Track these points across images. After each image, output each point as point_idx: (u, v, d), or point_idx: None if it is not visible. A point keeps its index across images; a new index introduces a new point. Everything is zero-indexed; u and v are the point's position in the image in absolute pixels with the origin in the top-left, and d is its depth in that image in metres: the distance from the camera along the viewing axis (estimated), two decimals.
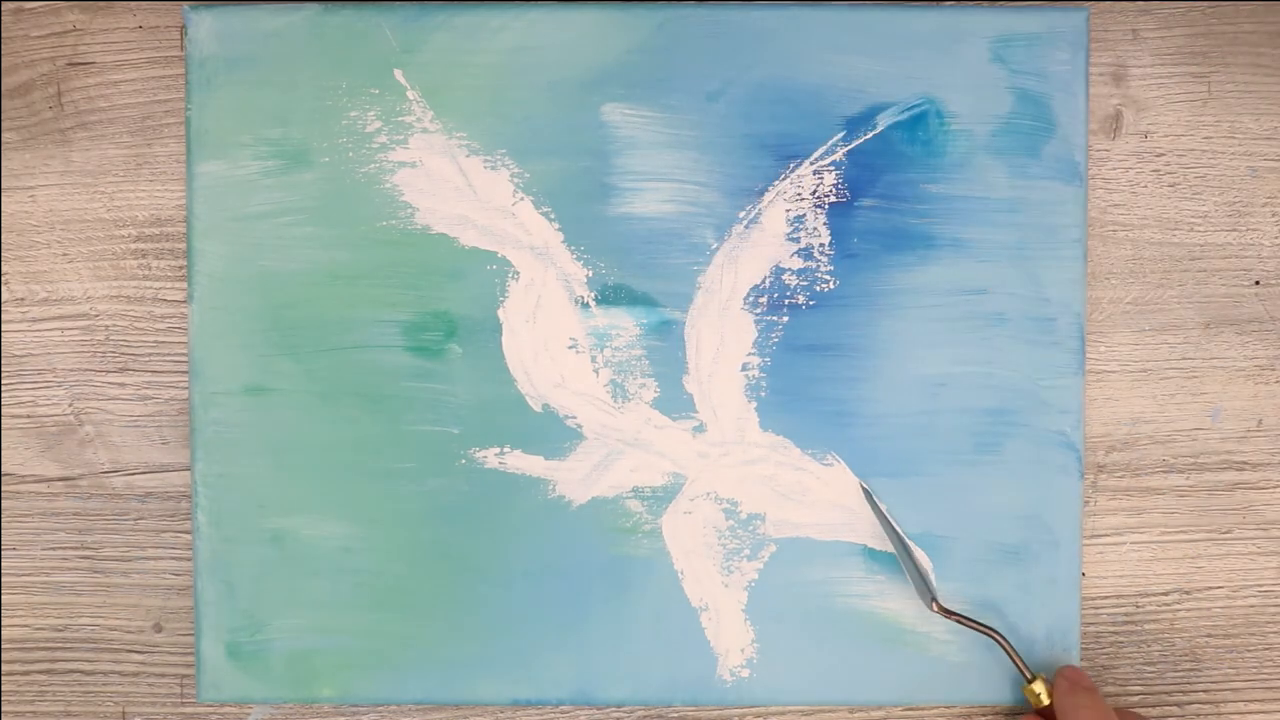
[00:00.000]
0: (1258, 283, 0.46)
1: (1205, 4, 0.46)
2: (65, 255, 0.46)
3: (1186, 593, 0.46)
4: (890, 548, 0.44)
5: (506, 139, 0.44)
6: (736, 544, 0.44)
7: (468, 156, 0.44)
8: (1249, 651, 0.46)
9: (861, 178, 0.44)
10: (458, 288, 0.44)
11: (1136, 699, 0.45)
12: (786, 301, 0.44)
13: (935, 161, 0.44)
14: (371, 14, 0.44)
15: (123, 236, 0.45)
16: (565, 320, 0.44)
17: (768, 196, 0.44)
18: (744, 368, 0.44)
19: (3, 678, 0.46)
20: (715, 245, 0.44)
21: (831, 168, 0.44)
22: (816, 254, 0.44)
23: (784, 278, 0.44)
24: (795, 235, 0.44)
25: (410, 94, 0.44)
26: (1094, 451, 0.46)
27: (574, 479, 0.44)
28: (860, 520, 0.44)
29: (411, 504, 0.44)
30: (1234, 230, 0.46)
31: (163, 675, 0.46)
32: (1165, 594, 0.46)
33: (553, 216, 0.44)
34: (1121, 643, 0.46)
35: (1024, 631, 0.44)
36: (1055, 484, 0.44)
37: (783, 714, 0.45)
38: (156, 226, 0.46)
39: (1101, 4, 0.45)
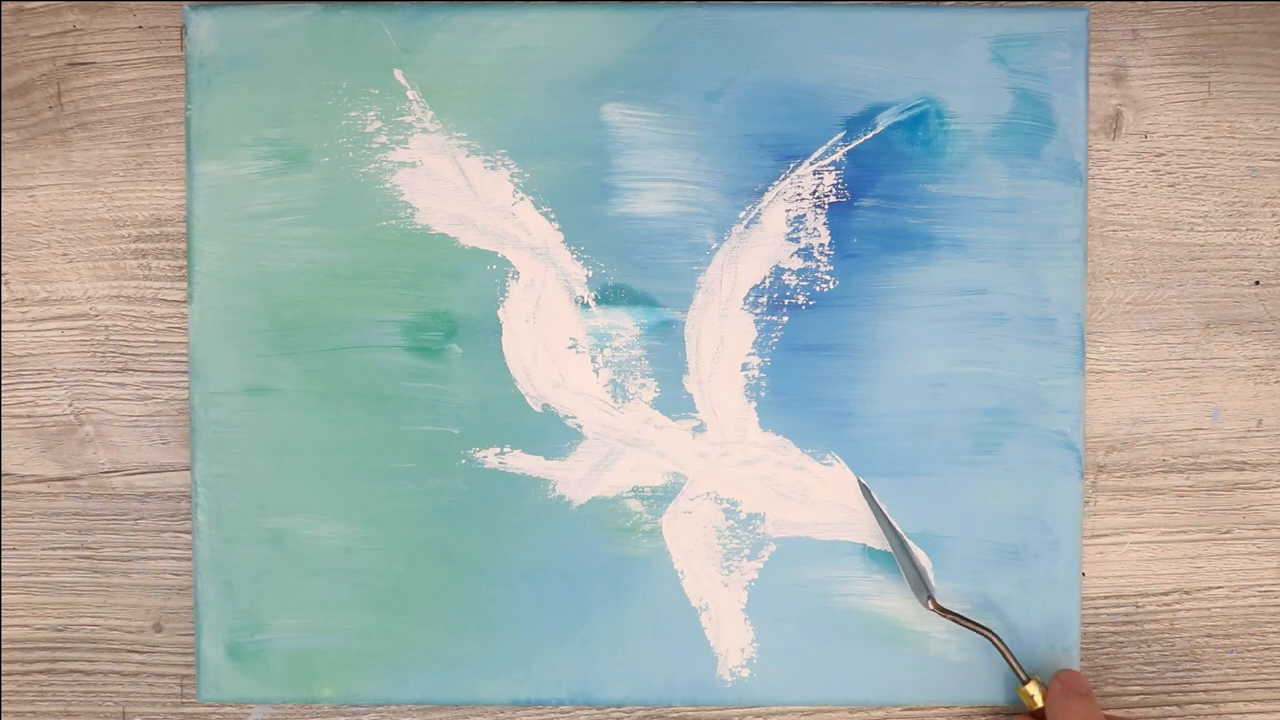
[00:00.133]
0: (1258, 283, 0.46)
1: (1205, 4, 0.46)
2: (65, 255, 0.46)
3: (1186, 593, 0.46)
4: (888, 546, 0.44)
5: (506, 139, 0.44)
6: (736, 544, 0.44)
7: (468, 156, 0.44)
8: (1249, 651, 0.46)
9: (861, 178, 0.44)
10: (458, 288, 0.44)
11: (1136, 699, 0.45)
12: (786, 301, 0.44)
13: (935, 161, 0.44)
14: (371, 14, 0.44)
15: (123, 236, 0.45)
16: (565, 320, 0.44)
17: (768, 196, 0.44)
18: (744, 368, 0.44)
19: (3, 678, 0.46)
20: (715, 245, 0.44)
21: (831, 168, 0.44)
22: (816, 254, 0.44)
23: (784, 278, 0.44)
24: (795, 235, 0.44)
25: (410, 94, 0.44)
26: (1094, 451, 0.46)
27: (574, 479, 0.44)
28: (860, 520, 0.44)
29: (411, 504, 0.44)
30: (1234, 230, 0.46)
31: (163, 675, 0.46)
32: (1165, 594, 0.46)
33: (553, 216, 0.44)
34: (1121, 643, 0.46)
35: (1024, 631, 0.44)
36: (1055, 484, 0.44)
37: (783, 714, 0.45)
38: (156, 226, 0.46)
39: (1101, 4, 0.45)
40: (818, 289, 0.44)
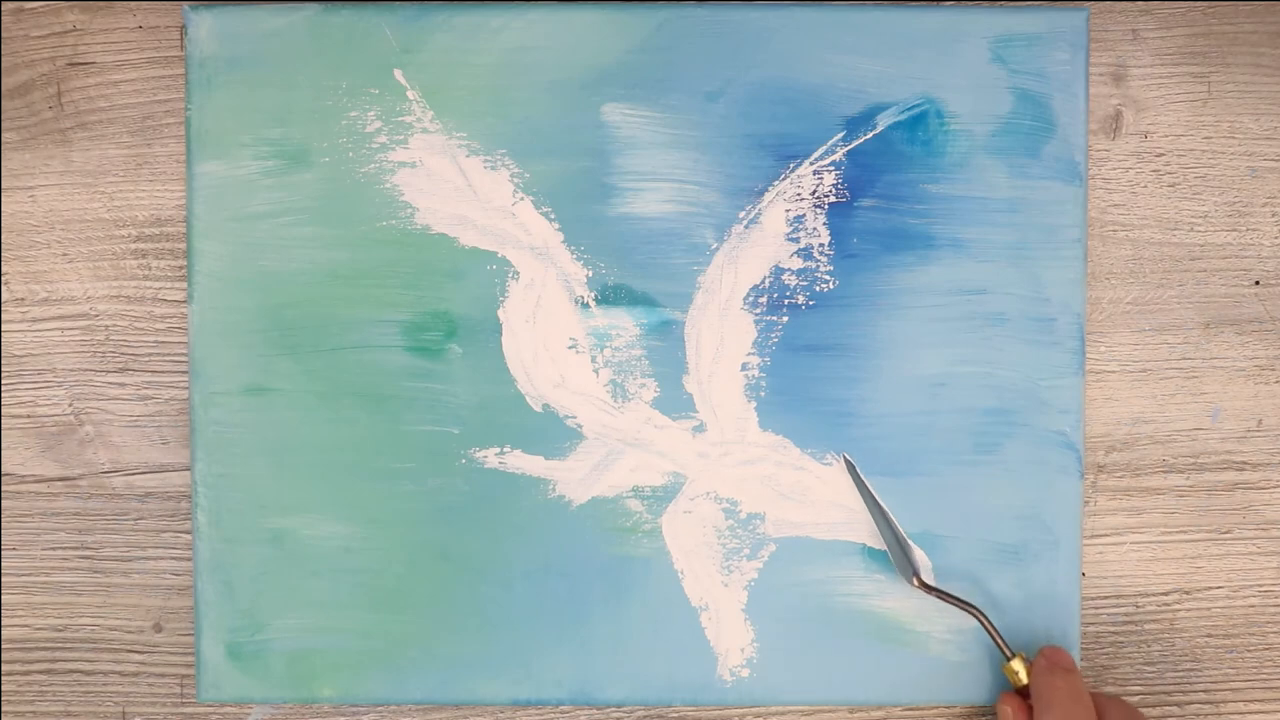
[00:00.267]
0: (1258, 283, 0.46)
1: (1205, 4, 0.46)
2: (65, 255, 0.46)
3: (1186, 593, 0.46)
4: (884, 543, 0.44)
5: (506, 139, 0.44)
6: (736, 543, 0.44)
7: (468, 156, 0.44)
8: (1249, 651, 0.46)
9: (861, 178, 0.44)
10: (458, 288, 0.44)
11: (1136, 699, 0.45)
12: (786, 301, 0.44)
13: (935, 161, 0.44)
14: (371, 14, 0.44)
15: (123, 236, 0.45)
16: (565, 320, 0.44)
17: (768, 196, 0.44)
18: (744, 368, 0.44)
19: (3, 678, 0.46)
20: (715, 245, 0.44)
21: (831, 168, 0.44)
22: (816, 254, 0.44)
23: (784, 278, 0.44)
24: (795, 235, 0.44)
25: (410, 94, 0.44)
26: (1094, 451, 0.46)
27: (574, 479, 0.44)
28: (860, 520, 0.44)
29: (411, 504, 0.44)
30: (1234, 230, 0.46)
31: (163, 675, 0.46)
32: (1165, 594, 0.46)
33: (553, 216, 0.44)
34: (1121, 643, 0.46)
35: (1024, 631, 0.44)
36: (1055, 484, 0.44)
37: (783, 714, 0.45)
38: (156, 226, 0.46)
39: (1101, 4, 0.45)
40: (818, 289, 0.44)
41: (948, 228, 0.44)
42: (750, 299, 0.44)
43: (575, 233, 0.44)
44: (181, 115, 0.45)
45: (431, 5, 0.44)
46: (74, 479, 0.46)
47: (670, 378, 0.44)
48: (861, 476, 0.44)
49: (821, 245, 0.44)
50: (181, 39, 0.45)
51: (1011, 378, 0.44)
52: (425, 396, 0.44)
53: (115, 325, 0.46)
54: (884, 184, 0.44)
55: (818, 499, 0.44)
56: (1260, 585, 0.46)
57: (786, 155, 0.44)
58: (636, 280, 0.44)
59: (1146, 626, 0.46)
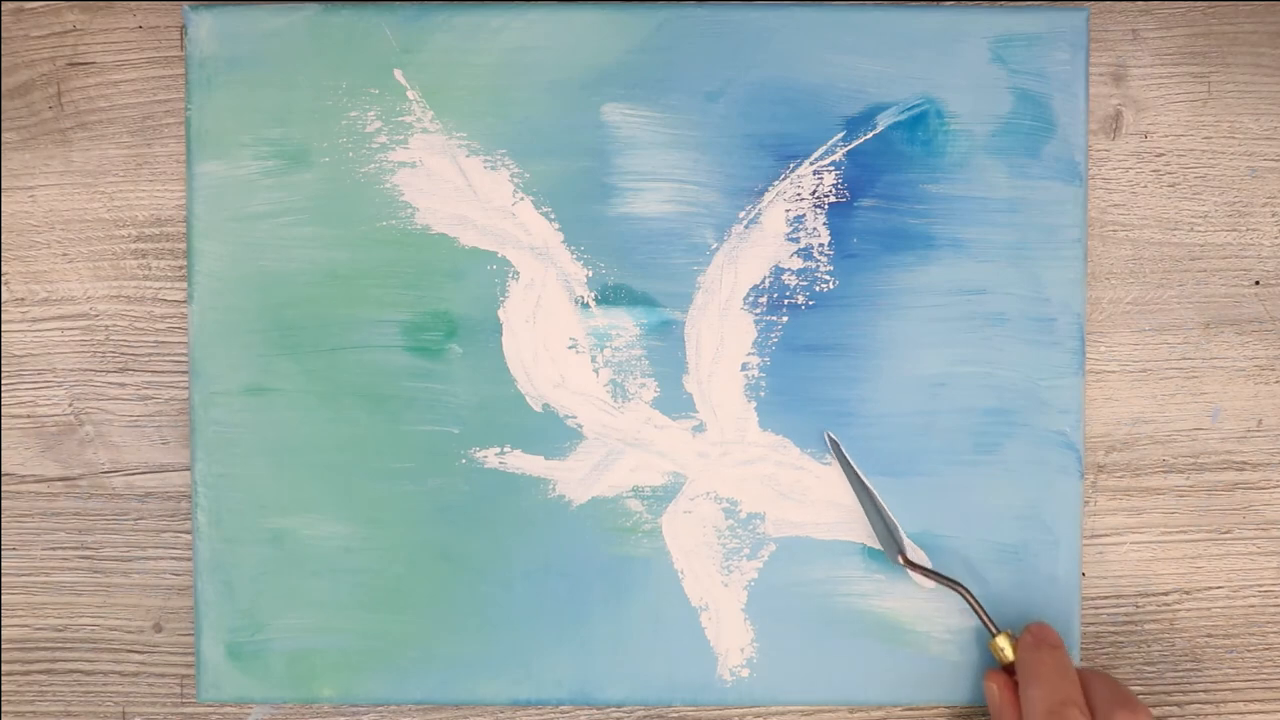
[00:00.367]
0: (1258, 283, 0.46)
1: (1205, 4, 0.46)
2: (65, 255, 0.46)
3: (1186, 593, 0.46)
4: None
5: (506, 139, 0.44)
6: (736, 543, 0.44)
7: (468, 156, 0.44)
8: (1249, 651, 0.46)
9: (861, 178, 0.44)
10: (458, 288, 0.44)
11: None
12: (786, 301, 0.44)
13: (935, 161, 0.44)
14: (371, 14, 0.44)
15: (123, 236, 0.45)
16: (565, 320, 0.44)
17: (768, 196, 0.44)
18: (744, 368, 0.44)
19: (3, 678, 0.46)
20: (715, 245, 0.44)
21: (831, 168, 0.44)
22: (816, 254, 0.44)
23: (784, 278, 0.44)
24: (795, 235, 0.44)
25: (410, 94, 0.44)
26: (1094, 451, 0.46)
27: (574, 479, 0.44)
28: (860, 519, 0.44)
29: (411, 504, 0.44)
30: (1234, 230, 0.46)
31: (163, 675, 0.46)
32: (1165, 594, 0.46)
33: (553, 216, 0.44)
34: (1121, 643, 0.46)
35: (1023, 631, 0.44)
36: (1055, 484, 0.44)
37: (783, 714, 0.45)
38: (156, 226, 0.46)
39: (1101, 4, 0.45)
40: (817, 289, 0.44)
41: (948, 228, 0.44)
42: (750, 299, 0.44)
43: (575, 233, 0.44)
44: (181, 115, 0.45)
45: (431, 5, 0.44)
46: (74, 479, 0.46)
47: (670, 378, 0.44)
48: (846, 455, 0.43)
49: (821, 245, 0.44)
50: (181, 39, 0.45)
51: (1011, 378, 0.44)
52: (425, 396, 0.44)
53: (115, 325, 0.46)
54: (884, 184, 0.44)
55: (817, 499, 0.44)
56: (1260, 585, 0.46)
57: (786, 155, 0.44)
58: (636, 280, 0.44)
59: (1146, 626, 0.46)
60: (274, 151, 0.44)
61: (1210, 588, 0.46)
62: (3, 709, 0.46)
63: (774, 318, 0.44)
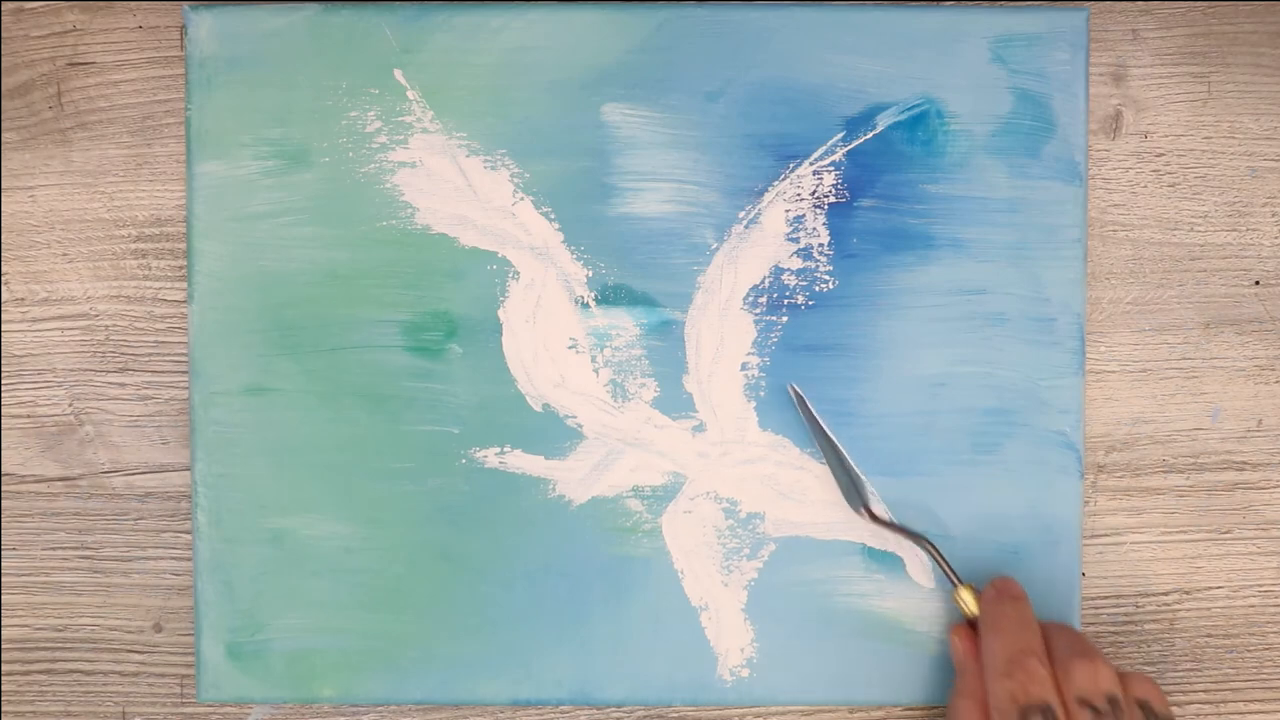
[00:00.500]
0: (1258, 283, 0.46)
1: (1205, 4, 0.46)
2: (65, 255, 0.46)
3: (1186, 593, 0.46)
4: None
5: (506, 139, 0.44)
6: (736, 543, 0.44)
7: (468, 156, 0.44)
8: (1249, 651, 0.46)
9: (861, 178, 0.44)
10: (458, 288, 0.44)
11: None
12: (786, 301, 0.44)
13: (935, 161, 0.44)
14: (371, 14, 0.44)
15: (123, 236, 0.45)
16: (565, 320, 0.44)
17: (767, 196, 0.44)
18: (743, 367, 0.44)
19: (3, 678, 0.46)
20: (715, 245, 0.44)
21: (831, 168, 0.44)
22: (816, 254, 0.44)
23: (783, 278, 0.44)
24: (795, 235, 0.44)
25: (410, 94, 0.44)
26: (1094, 451, 0.46)
27: (574, 479, 0.44)
28: (860, 519, 0.44)
29: (411, 504, 0.44)
30: (1234, 230, 0.46)
31: (163, 675, 0.46)
32: (1165, 594, 0.46)
33: (553, 216, 0.44)
34: (1121, 643, 0.46)
35: None
36: (1055, 484, 0.44)
37: (783, 714, 0.45)
38: (156, 226, 0.46)
39: (1101, 4, 0.45)
40: (817, 289, 0.44)
41: (948, 228, 0.44)
42: (750, 299, 0.44)
43: (575, 233, 0.44)
44: (181, 115, 0.45)
45: (431, 5, 0.44)
46: (74, 479, 0.46)
47: (670, 377, 0.44)
48: (810, 407, 0.43)
49: (821, 245, 0.44)
50: (181, 39, 0.45)
51: (1011, 378, 0.44)
52: (425, 396, 0.44)
53: (115, 325, 0.46)
54: (884, 184, 0.44)
55: (817, 499, 0.44)
56: (1260, 585, 0.46)
57: (786, 155, 0.44)
58: (636, 280, 0.44)
59: (1146, 626, 0.46)
60: (274, 151, 0.44)
61: (1210, 588, 0.46)
62: (3, 709, 0.46)
63: (774, 318, 0.44)
